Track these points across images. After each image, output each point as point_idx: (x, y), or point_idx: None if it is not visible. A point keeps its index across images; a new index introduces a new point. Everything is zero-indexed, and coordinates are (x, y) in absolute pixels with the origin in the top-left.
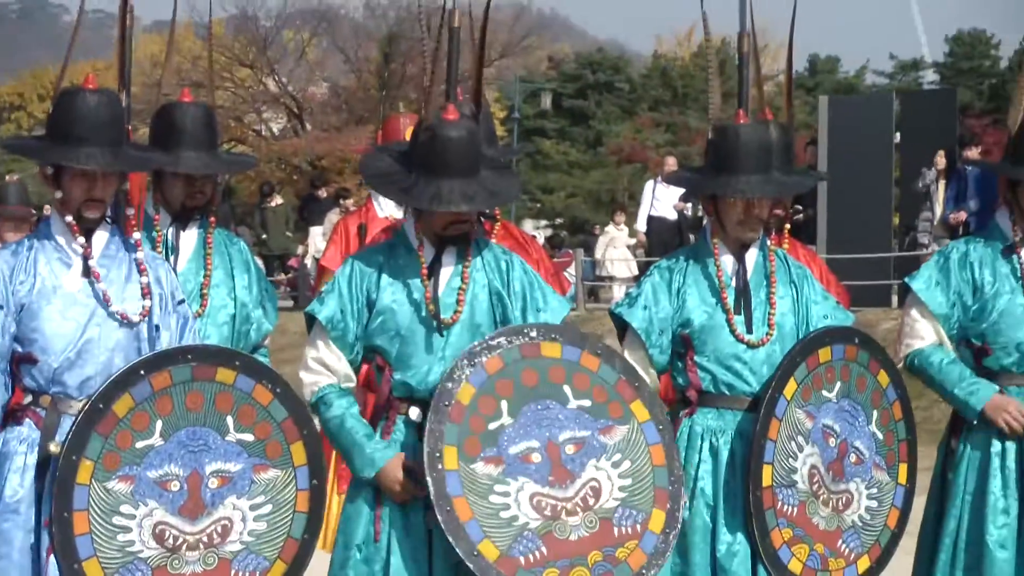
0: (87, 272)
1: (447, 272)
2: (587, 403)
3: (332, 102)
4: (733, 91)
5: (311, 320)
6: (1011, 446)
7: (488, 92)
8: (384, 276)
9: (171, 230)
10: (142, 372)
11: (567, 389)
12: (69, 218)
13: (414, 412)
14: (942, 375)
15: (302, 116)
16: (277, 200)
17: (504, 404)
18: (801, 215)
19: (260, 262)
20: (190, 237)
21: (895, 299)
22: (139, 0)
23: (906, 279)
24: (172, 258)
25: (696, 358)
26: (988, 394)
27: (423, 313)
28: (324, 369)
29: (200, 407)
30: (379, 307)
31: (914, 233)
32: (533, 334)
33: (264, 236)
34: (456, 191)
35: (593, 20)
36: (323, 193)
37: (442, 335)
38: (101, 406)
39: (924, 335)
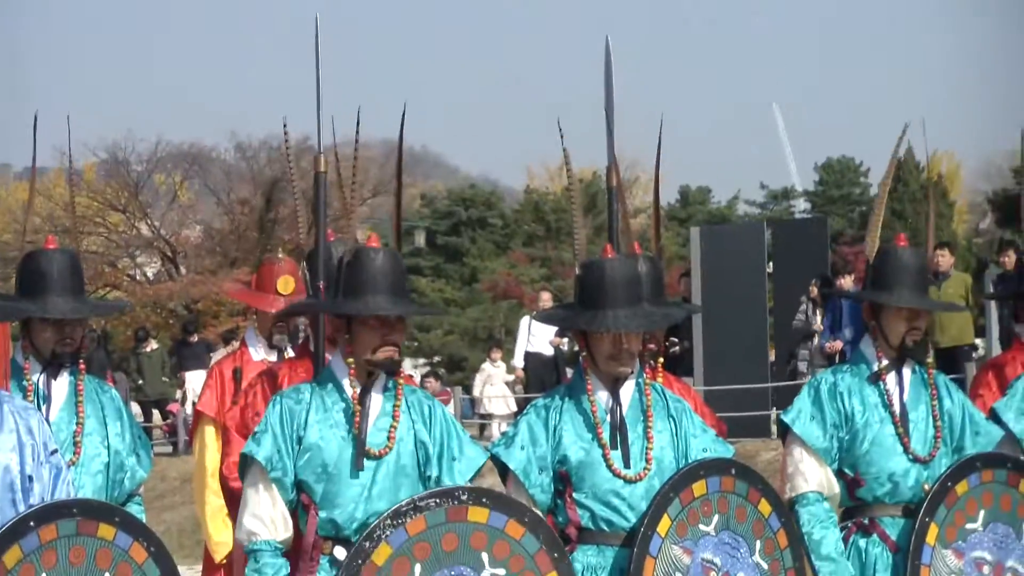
0: None
1: (375, 409)
2: (501, 572)
3: (206, 244)
4: (605, 224)
5: (247, 461)
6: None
7: (360, 231)
8: (311, 413)
9: (42, 378)
10: (32, 524)
11: (484, 556)
12: None
13: (339, 552)
14: (809, 539)
15: (176, 259)
16: (152, 345)
17: (418, 568)
18: (677, 348)
19: (137, 408)
20: (61, 385)
21: (775, 429)
22: (9, 146)
23: (781, 415)
24: (44, 407)
25: (574, 495)
26: None
27: (351, 449)
28: (267, 516)
29: (81, 562)
30: (306, 444)
31: (795, 362)
32: (464, 497)
33: (140, 381)
34: (382, 301)
35: (464, 156)
36: (195, 338)
37: (362, 469)
38: None
39: (808, 475)
